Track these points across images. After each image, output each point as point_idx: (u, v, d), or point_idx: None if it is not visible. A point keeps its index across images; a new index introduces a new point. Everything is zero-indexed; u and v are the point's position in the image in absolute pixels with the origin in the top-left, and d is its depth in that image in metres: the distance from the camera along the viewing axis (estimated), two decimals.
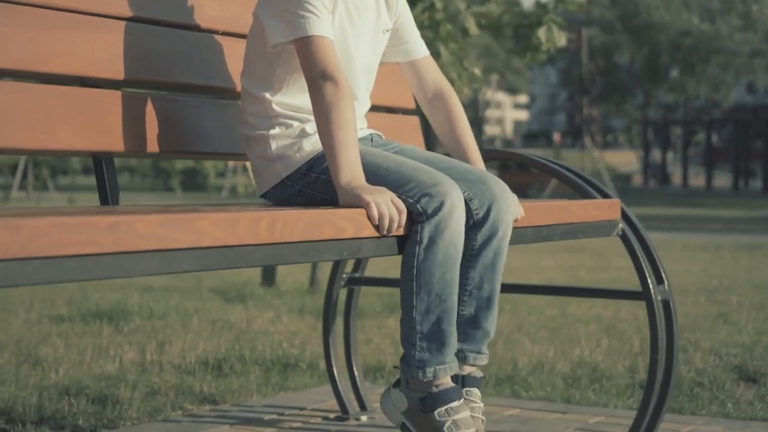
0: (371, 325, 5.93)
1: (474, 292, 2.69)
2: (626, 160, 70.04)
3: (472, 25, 6.87)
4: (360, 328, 5.70)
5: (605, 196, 3.33)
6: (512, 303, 6.78)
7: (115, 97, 2.65)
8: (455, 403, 2.54)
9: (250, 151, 2.72)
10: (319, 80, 2.52)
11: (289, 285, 7.91)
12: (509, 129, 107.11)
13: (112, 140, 2.61)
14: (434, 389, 2.55)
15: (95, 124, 2.57)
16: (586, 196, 3.31)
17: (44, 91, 2.49)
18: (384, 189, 2.41)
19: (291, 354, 4.86)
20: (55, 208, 2.23)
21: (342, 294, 3.81)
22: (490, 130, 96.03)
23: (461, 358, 2.72)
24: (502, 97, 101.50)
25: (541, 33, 6.77)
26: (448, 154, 2.94)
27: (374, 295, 7.12)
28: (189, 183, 41.31)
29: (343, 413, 3.71)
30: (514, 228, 2.71)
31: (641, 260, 3.26)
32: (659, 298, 3.24)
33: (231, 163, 30.27)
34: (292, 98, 2.69)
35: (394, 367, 2.67)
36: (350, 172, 2.45)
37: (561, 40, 6.82)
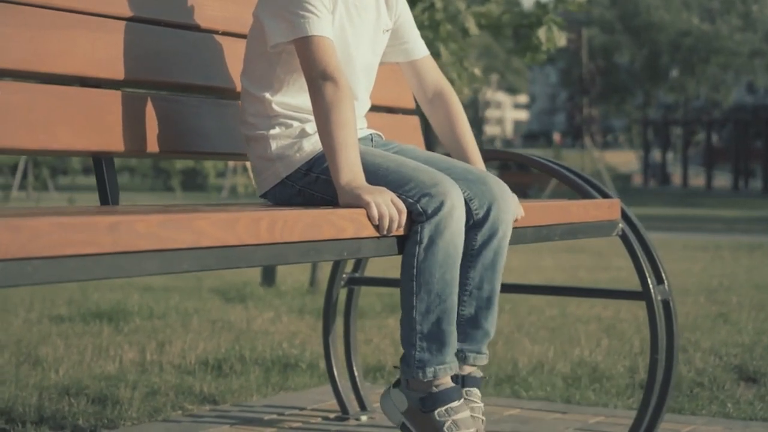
0: (371, 325, 5.93)
1: (474, 292, 2.69)
2: (626, 160, 70.04)
3: (472, 25, 6.87)
4: (360, 328, 5.70)
5: (605, 196, 3.33)
6: (512, 303, 6.78)
7: (115, 97, 2.65)
8: (455, 403, 2.54)
9: (250, 151, 2.72)
10: (319, 80, 2.52)
11: (289, 285, 7.91)
12: (509, 129, 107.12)
13: (112, 140, 2.61)
14: (434, 389, 2.55)
15: (95, 124, 2.57)
16: (586, 196, 3.31)
17: (44, 91, 2.49)
18: (384, 189, 2.41)
19: (291, 354, 4.86)
20: (55, 208, 2.23)
21: (342, 294, 3.81)
22: (490, 130, 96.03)
23: (461, 358, 2.72)
24: (502, 97, 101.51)
25: (541, 33, 6.77)
26: (448, 154, 2.94)
27: (374, 295, 7.12)
28: (189, 183, 41.31)
29: (343, 413, 3.71)
30: (514, 228, 2.71)
31: (641, 260, 3.26)
32: (659, 298, 3.24)
33: (231, 163, 30.28)
34: (292, 98, 2.69)
35: (394, 367, 2.67)
36: (350, 172, 2.45)
37: (561, 40, 6.82)
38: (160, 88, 2.89)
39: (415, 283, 2.49)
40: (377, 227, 2.36)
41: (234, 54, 2.97)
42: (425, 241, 2.45)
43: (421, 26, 6.61)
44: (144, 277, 8.13)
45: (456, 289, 2.53)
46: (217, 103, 2.97)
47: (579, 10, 7.01)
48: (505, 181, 2.71)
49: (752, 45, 57.52)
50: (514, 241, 2.72)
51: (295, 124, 2.67)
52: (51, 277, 1.69)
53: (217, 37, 3.00)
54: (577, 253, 12.08)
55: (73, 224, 1.71)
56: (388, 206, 2.37)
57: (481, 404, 2.72)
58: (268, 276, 8.11)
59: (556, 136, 66.73)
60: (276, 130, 2.67)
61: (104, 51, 2.65)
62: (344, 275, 3.73)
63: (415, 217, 2.45)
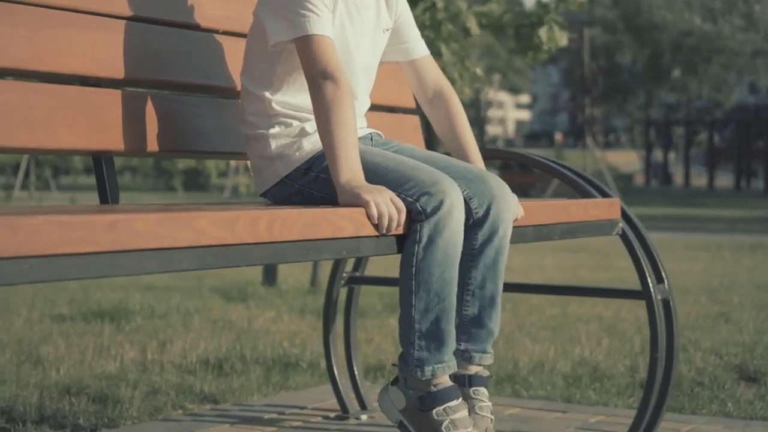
0: (372, 324, 5.93)
1: (477, 291, 2.69)
2: (628, 160, 70.03)
3: (473, 25, 6.88)
4: (361, 328, 5.70)
5: (606, 196, 3.33)
6: (513, 302, 6.78)
7: (115, 96, 2.65)
8: (453, 402, 2.54)
9: (250, 150, 2.72)
10: (320, 79, 2.52)
11: (290, 284, 7.91)
12: (511, 129, 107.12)
13: (112, 139, 2.61)
14: (432, 388, 2.55)
15: (95, 124, 2.57)
16: (586, 195, 3.31)
17: (44, 90, 2.49)
18: (383, 188, 2.41)
19: (292, 353, 4.86)
20: (54, 207, 2.24)
21: (343, 293, 3.81)
22: (492, 130, 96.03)
23: (466, 358, 2.72)
24: (504, 97, 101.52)
25: (543, 32, 6.77)
26: (448, 154, 2.94)
27: (375, 294, 7.12)
28: (191, 183, 41.36)
29: (344, 412, 3.71)
30: (514, 227, 2.71)
31: (641, 259, 3.26)
32: (659, 297, 3.24)
33: (233, 163, 30.30)
34: (292, 97, 2.69)
35: (393, 365, 2.67)
36: (350, 171, 2.45)
37: (562, 39, 6.83)
38: (160, 88, 2.89)
39: (414, 282, 2.49)
40: (376, 226, 2.36)
41: (234, 53, 2.97)
42: (424, 240, 2.45)
43: (422, 26, 6.62)
44: (145, 276, 8.14)
45: (455, 289, 2.53)
46: (217, 103, 2.97)
47: (580, 9, 7.01)
48: (507, 181, 2.71)
49: (754, 45, 57.51)
50: (514, 240, 2.72)
51: (295, 123, 2.67)
52: (49, 275, 1.69)
53: (217, 37, 3.00)
54: (578, 253, 12.08)
55: (72, 222, 1.71)
56: (388, 205, 2.37)
57: (489, 403, 2.72)
58: (270, 275, 8.11)
59: (558, 136, 66.73)
60: (276, 129, 2.67)
61: (104, 50, 2.65)
62: (344, 274, 3.73)
63: (415, 216, 2.45)
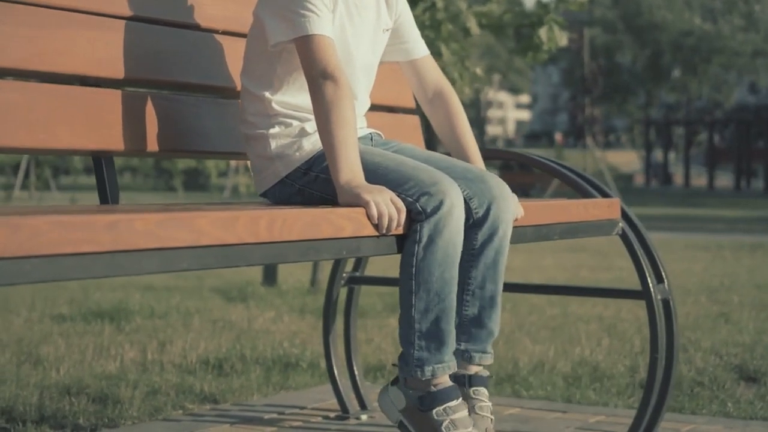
0: (372, 324, 5.93)
1: (477, 291, 2.69)
2: (628, 160, 70.05)
3: (473, 25, 6.88)
4: (361, 328, 5.70)
5: (606, 196, 3.33)
6: (513, 302, 6.78)
7: (114, 96, 2.65)
8: (453, 403, 2.54)
9: (250, 150, 2.72)
10: (320, 79, 2.52)
11: (290, 285, 7.92)
12: (511, 129, 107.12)
13: (112, 139, 2.61)
14: (432, 388, 2.55)
15: (95, 123, 2.57)
16: (586, 195, 3.31)
17: (44, 90, 2.49)
18: (383, 188, 2.42)
19: (292, 353, 4.86)
20: (54, 207, 2.24)
21: (342, 293, 3.81)
22: (492, 130, 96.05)
23: (466, 358, 2.72)
24: (504, 97, 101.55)
25: (543, 32, 6.77)
26: (448, 154, 2.94)
27: (375, 294, 7.12)
28: (191, 183, 41.35)
29: (344, 412, 3.71)
30: (514, 227, 2.72)
31: (641, 259, 3.26)
32: (659, 297, 3.24)
33: (233, 163, 30.30)
34: (292, 97, 2.69)
35: (393, 365, 2.67)
36: (350, 171, 2.45)
37: (562, 39, 6.83)
38: (159, 87, 2.89)
39: (414, 281, 2.49)
40: (376, 226, 2.36)
41: (234, 53, 2.97)
42: (424, 239, 2.45)
43: (422, 26, 6.62)
44: (145, 276, 8.14)
45: (455, 289, 2.53)
46: (216, 103, 2.97)
47: (580, 9, 7.01)
48: (507, 181, 2.71)
49: (754, 45, 57.51)
50: (513, 240, 2.73)
51: (295, 123, 2.67)
52: (49, 275, 1.69)
53: (217, 37, 3.00)
54: (578, 253, 12.08)
55: (72, 223, 1.71)
56: (388, 205, 2.37)
57: (489, 403, 2.72)
58: (270, 276, 8.11)
59: (558, 136, 66.71)
60: (276, 129, 2.67)
61: (104, 50, 2.65)
62: (344, 274, 3.73)
63: (415, 216, 2.45)
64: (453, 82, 6.74)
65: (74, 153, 2.61)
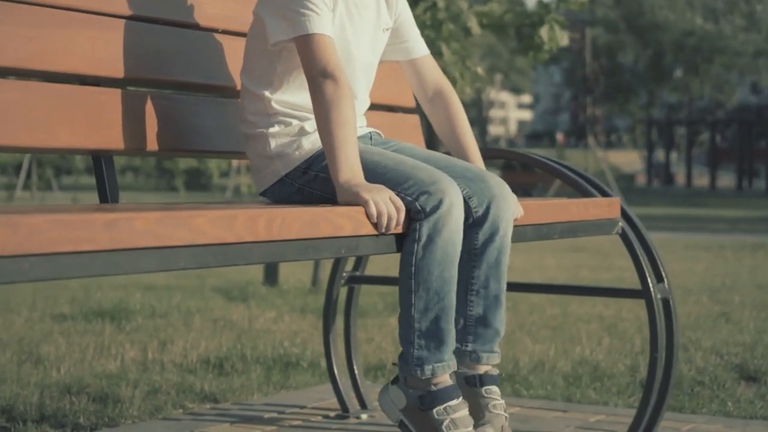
0: (373, 324, 5.94)
1: (481, 291, 2.69)
2: (630, 160, 70.02)
3: (474, 25, 6.88)
4: (362, 327, 5.70)
5: (606, 196, 3.33)
6: (514, 301, 6.78)
7: (114, 95, 2.65)
8: (454, 402, 2.54)
9: (250, 149, 2.72)
10: (320, 78, 2.53)
11: (291, 284, 7.92)
12: (513, 129, 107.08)
13: (112, 138, 2.61)
14: (433, 387, 2.55)
15: (95, 123, 2.58)
16: (587, 195, 3.31)
17: (44, 89, 2.49)
18: (382, 187, 2.42)
19: (292, 353, 4.86)
20: (53, 206, 2.24)
21: (343, 293, 3.81)
22: (493, 130, 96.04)
23: (474, 358, 2.72)
24: (505, 96, 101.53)
25: (544, 32, 6.77)
26: (449, 153, 2.94)
27: (376, 294, 7.13)
28: (193, 183, 41.36)
29: (344, 412, 3.71)
30: (514, 226, 2.72)
31: (641, 259, 3.26)
32: (659, 296, 3.24)
33: (235, 163, 30.30)
34: (292, 96, 2.69)
35: (393, 364, 2.67)
36: (349, 170, 2.45)
37: (563, 39, 6.83)
38: (159, 87, 2.89)
39: (413, 281, 2.49)
40: (376, 225, 2.36)
41: (234, 52, 2.97)
42: (424, 239, 2.45)
43: (423, 26, 6.62)
44: (146, 276, 8.14)
45: (454, 288, 2.53)
46: (216, 102, 2.98)
47: (581, 9, 7.01)
48: (509, 181, 2.71)
49: (756, 45, 57.49)
50: (514, 239, 2.73)
51: (295, 122, 2.68)
52: (49, 274, 1.69)
53: (217, 36, 3.00)
54: (579, 253, 12.08)
55: (71, 221, 1.72)
56: (387, 204, 2.37)
57: (502, 401, 2.72)
58: (271, 275, 8.12)
59: (560, 136, 66.71)
60: (275, 128, 2.67)
61: (104, 49, 2.65)
62: (344, 274, 3.74)
63: (414, 215, 2.45)
64: (454, 82, 6.73)
65: (74, 152, 2.61)
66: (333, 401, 3.81)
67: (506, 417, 2.71)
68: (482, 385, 2.72)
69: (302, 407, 3.80)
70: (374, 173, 2.50)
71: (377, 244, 2.39)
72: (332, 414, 3.71)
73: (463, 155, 2.90)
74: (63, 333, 5.46)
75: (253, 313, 6.35)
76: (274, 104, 2.68)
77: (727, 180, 59.25)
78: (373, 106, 3.04)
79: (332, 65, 2.53)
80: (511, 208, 2.67)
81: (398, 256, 2.51)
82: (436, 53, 6.68)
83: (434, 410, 2.53)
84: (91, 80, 2.63)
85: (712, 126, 57.41)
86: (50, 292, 7.34)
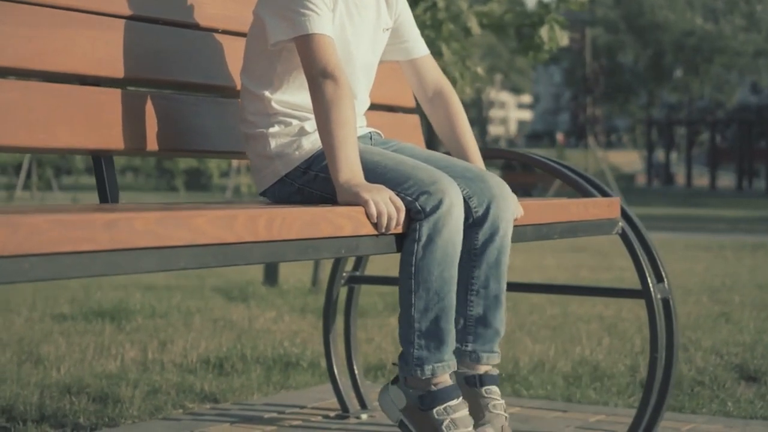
0: (373, 323, 5.94)
1: (481, 291, 2.69)
2: (630, 160, 70.02)
3: (474, 25, 6.88)
4: (362, 327, 5.70)
5: (606, 196, 3.32)
6: (514, 301, 6.78)
7: (114, 95, 2.65)
8: (454, 402, 2.54)
9: (250, 149, 2.72)
10: (320, 78, 2.53)
11: (291, 284, 7.92)
12: (513, 129, 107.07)
13: (112, 138, 2.61)
14: (433, 387, 2.55)
15: (94, 123, 2.58)
16: (587, 195, 3.31)
17: (43, 89, 2.49)
18: (382, 187, 2.42)
19: (292, 353, 4.86)
20: (53, 206, 2.24)
21: (343, 293, 3.81)
22: (493, 130, 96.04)
23: (474, 358, 2.72)
24: (505, 96, 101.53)
25: (543, 32, 6.77)
26: (448, 153, 2.94)
27: (376, 294, 7.13)
28: (193, 183, 41.36)
29: (344, 411, 3.71)
30: (514, 226, 2.72)
31: (641, 259, 3.26)
32: (659, 296, 3.24)
33: (235, 163, 30.31)
34: (292, 96, 2.69)
35: (393, 364, 2.67)
36: (349, 170, 2.45)
37: (563, 39, 6.83)
38: (159, 87, 2.89)
39: (413, 281, 2.49)
40: (375, 225, 2.36)
41: (234, 52, 2.97)
42: (424, 239, 2.45)
43: (423, 26, 6.62)
44: (146, 276, 8.14)
45: (455, 288, 2.53)
46: (216, 102, 2.98)
47: (581, 9, 7.01)
48: (510, 181, 2.71)
49: (756, 45, 57.48)
50: (513, 239, 2.73)
51: (295, 122, 2.68)
52: (48, 274, 1.69)
53: (217, 36, 3.00)
54: (579, 253, 12.08)
55: (70, 221, 1.72)
56: (387, 204, 2.37)
57: (502, 401, 2.72)
58: (271, 275, 8.12)
59: (560, 136, 66.71)
60: (275, 128, 2.67)
61: (104, 49, 2.65)
62: (344, 274, 3.74)
63: (414, 215, 2.45)
64: (454, 82, 6.73)
65: (74, 152, 2.61)
66: (333, 401, 3.81)
67: (506, 417, 2.71)
68: (482, 385, 2.72)
69: (302, 407, 3.80)
70: (374, 173, 2.50)
71: (377, 244, 2.39)
72: (332, 414, 3.71)
73: (463, 155, 2.90)
74: (63, 333, 5.46)
75: (253, 313, 6.35)
76: (274, 104, 2.68)
77: (727, 180, 59.26)
78: (374, 106, 3.04)
79: (332, 65, 2.53)
80: (511, 208, 2.67)
81: (398, 256, 2.51)
82: (436, 53, 6.68)
83: (434, 410, 2.53)
84: (91, 80, 2.63)
85: (712, 126, 57.42)
86: (50, 292, 7.34)
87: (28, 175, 33.63)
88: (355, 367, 3.77)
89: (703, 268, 10.04)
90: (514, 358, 4.79)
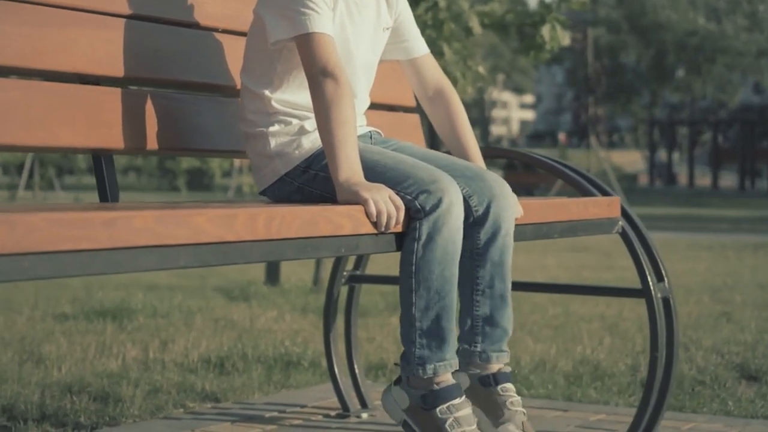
0: (374, 323, 5.94)
1: (486, 291, 2.69)
2: (632, 159, 69.98)
3: (475, 25, 6.88)
4: (363, 326, 5.71)
5: (607, 195, 3.32)
6: (516, 301, 6.73)
7: (114, 94, 2.65)
8: (457, 400, 2.54)
9: (250, 148, 2.73)
10: (320, 77, 2.53)
11: (292, 283, 7.92)
12: (515, 129, 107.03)
13: (112, 138, 2.61)
14: (435, 386, 2.55)
15: (94, 122, 2.58)
16: (588, 195, 3.31)
17: (43, 88, 2.50)
18: (382, 186, 2.42)
19: (293, 352, 4.87)
20: (52, 205, 2.24)
21: (344, 292, 3.81)
22: (496, 129, 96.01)
23: (484, 359, 2.73)
24: (508, 96, 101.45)
25: (545, 32, 6.77)
26: (449, 153, 2.94)
27: (377, 293, 7.13)
28: (195, 183, 41.35)
29: (344, 411, 3.71)
30: (515, 226, 2.72)
31: (641, 258, 3.26)
32: (659, 295, 3.24)
33: (237, 163, 30.31)
34: (292, 95, 2.69)
35: (395, 364, 2.67)
36: (349, 169, 2.45)
37: (564, 39, 6.82)
38: (159, 86, 2.89)
39: (414, 280, 2.49)
40: (375, 224, 2.36)
41: (234, 51, 2.97)
42: (423, 237, 2.45)
43: (424, 25, 6.62)
44: (148, 275, 8.13)
45: (455, 286, 2.53)
46: (216, 101, 2.98)
47: (582, 9, 7.01)
48: (511, 181, 2.71)
49: (759, 45, 57.41)
50: (513, 238, 2.72)
51: (295, 121, 2.68)
52: (48, 272, 1.69)
53: (217, 35, 3.00)
54: (581, 253, 12.08)
55: (69, 220, 1.72)
56: (386, 203, 2.37)
57: (519, 398, 2.72)
58: (272, 274, 8.12)
59: (562, 136, 66.70)
60: (275, 128, 2.67)
61: (104, 48, 2.65)
62: (345, 273, 3.74)
63: (414, 214, 2.46)
64: (455, 82, 6.73)
65: (74, 151, 2.61)
66: (334, 400, 3.81)
67: (524, 413, 2.71)
68: (497, 384, 2.72)
69: (303, 406, 3.80)
70: (374, 172, 2.50)
71: (377, 243, 2.39)
72: (333, 413, 3.71)
73: (464, 154, 2.90)
74: (64, 332, 5.46)
75: (255, 313, 6.35)
76: (274, 103, 2.68)
77: (729, 180, 59.22)
78: (374, 106, 3.04)
79: (332, 64, 2.53)
80: (511, 207, 2.67)
81: (399, 255, 2.51)
82: (438, 53, 6.68)
83: (437, 409, 2.53)
84: (91, 79, 2.64)
85: (715, 126, 57.39)
86: (52, 292, 7.35)
87: (31, 175, 33.63)
88: (355, 367, 3.77)
89: (704, 268, 10.04)
90: (515, 357, 4.79)
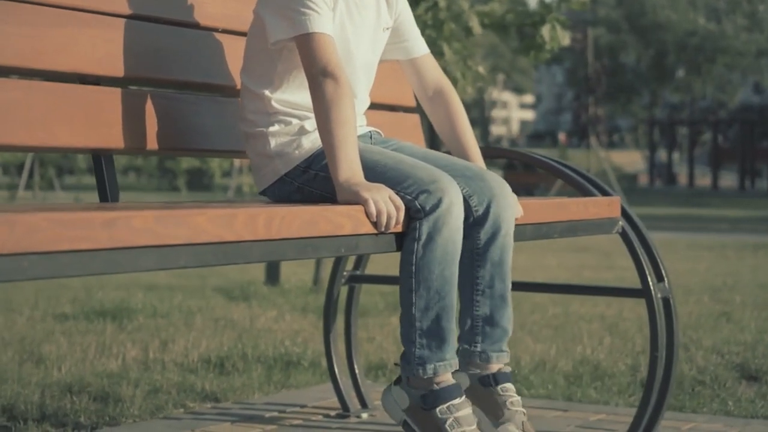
0: (374, 323, 5.94)
1: (486, 291, 2.69)
2: (632, 160, 70.00)
3: (475, 24, 6.88)
4: (363, 326, 5.71)
5: (607, 195, 3.32)
6: (516, 301, 6.75)
7: (114, 94, 2.65)
8: (457, 400, 2.54)
9: (250, 148, 2.73)
10: (320, 77, 2.53)
11: (292, 283, 7.92)
12: (515, 129, 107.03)
13: (112, 137, 2.61)
14: (435, 386, 2.55)
15: (94, 122, 2.58)
16: (588, 195, 3.31)
17: (43, 88, 2.50)
18: (382, 186, 2.42)
19: (293, 352, 4.87)
20: (52, 204, 2.24)
21: (344, 292, 3.81)
22: (496, 129, 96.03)
23: (484, 359, 2.73)
24: (508, 96, 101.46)
25: (545, 32, 6.77)
26: (449, 153, 2.94)
27: (378, 293, 7.13)
28: (195, 183, 41.35)
29: (344, 411, 3.71)
30: (514, 225, 2.72)
31: (641, 258, 3.26)
32: (659, 295, 3.24)
33: (237, 163, 30.30)
34: (292, 95, 2.69)
35: (395, 364, 2.67)
36: (349, 169, 2.45)
37: (564, 38, 6.83)
38: (159, 86, 2.89)
39: (414, 280, 2.49)
40: (375, 224, 2.36)
41: (234, 51, 2.97)
42: (423, 237, 2.45)
43: (424, 25, 6.62)
44: (148, 276, 8.13)
45: (455, 286, 2.53)
46: (216, 101, 2.98)
47: (582, 9, 7.01)
48: (511, 181, 2.71)
49: (759, 45, 57.42)
50: (514, 238, 2.72)
51: (295, 121, 2.68)
52: (47, 272, 1.69)
53: (217, 35, 3.00)
54: (581, 253, 12.08)
55: (69, 220, 1.72)
56: (386, 203, 2.37)
57: (519, 398, 2.72)
58: (272, 274, 8.12)
59: (562, 136, 66.69)
60: (275, 127, 2.67)
61: (104, 48, 2.65)
62: (345, 273, 3.74)
63: (414, 214, 2.46)
64: (455, 82, 6.73)
65: (74, 151, 2.61)
66: (334, 400, 3.81)
67: (524, 413, 2.71)
68: (497, 384, 2.72)
69: (303, 406, 3.80)
70: (374, 172, 2.50)
71: (377, 243, 2.39)
72: (333, 413, 3.71)
73: (464, 154, 2.90)
74: (64, 332, 5.46)
75: (255, 313, 6.35)
76: (274, 103, 2.68)
77: (729, 180, 59.23)
78: (374, 106, 3.04)
79: (332, 64, 2.53)
80: (511, 207, 2.67)
81: (399, 255, 2.51)
82: (438, 53, 6.68)
83: (437, 409, 2.53)
84: (91, 79, 2.63)
85: (715, 126, 57.40)
86: (52, 292, 7.35)
87: (31, 175, 33.63)
88: (355, 367, 3.77)
89: (704, 268, 10.04)
90: (515, 357, 4.79)
